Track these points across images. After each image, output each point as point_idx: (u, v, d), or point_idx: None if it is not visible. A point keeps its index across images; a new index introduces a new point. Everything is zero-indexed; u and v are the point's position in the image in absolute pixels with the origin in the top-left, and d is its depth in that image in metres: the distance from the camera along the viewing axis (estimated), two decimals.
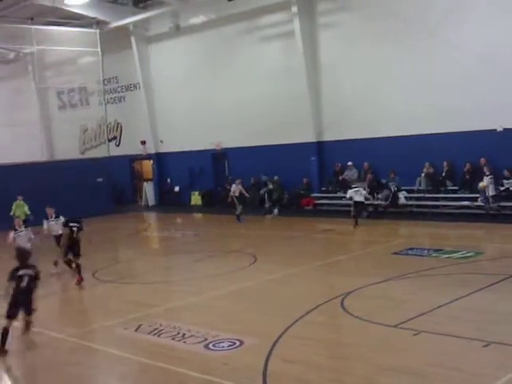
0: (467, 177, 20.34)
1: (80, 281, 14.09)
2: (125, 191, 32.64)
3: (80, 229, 14.78)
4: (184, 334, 9.63)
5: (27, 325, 9.81)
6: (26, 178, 24.81)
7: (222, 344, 9.06)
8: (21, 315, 9.70)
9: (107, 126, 31.66)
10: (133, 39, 30.60)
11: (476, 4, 19.93)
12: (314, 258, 15.75)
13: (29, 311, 9.69)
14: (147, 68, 31.12)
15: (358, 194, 20.17)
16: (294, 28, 24.32)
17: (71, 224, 14.74)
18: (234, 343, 9.05)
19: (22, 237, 14.64)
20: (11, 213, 21.72)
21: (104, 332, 10.42)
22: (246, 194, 23.19)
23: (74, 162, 29.50)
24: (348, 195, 20.54)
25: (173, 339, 9.49)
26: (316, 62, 24.46)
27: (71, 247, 14.63)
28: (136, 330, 10.13)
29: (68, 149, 32.50)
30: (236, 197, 22.78)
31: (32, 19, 27.13)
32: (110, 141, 31.89)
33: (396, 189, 21.57)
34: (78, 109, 34.38)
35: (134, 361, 8.84)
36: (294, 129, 24.95)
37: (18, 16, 27.29)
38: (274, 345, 8.82)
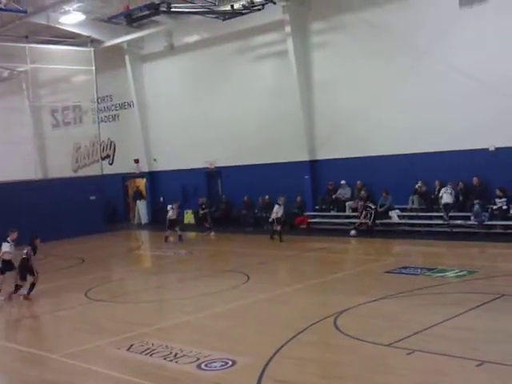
0: (460, 196, 20.40)
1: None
2: (117, 209, 32.55)
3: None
4: (176, 354, 9.56)
5: None
6: (20, 195, 24.73)
7: (214, 364, 9.00)
8: None
9: (100, 145, 31.66)
10: (127, 58, 30.72)
11: (468, 24, 20.11)
12: (307, 276, 15.72)
13: None
14: (141, 86, 31.20)
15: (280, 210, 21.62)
16: (287, 47, 24.48)
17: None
18: (227, 363, 8.99)
19: None
20: None
21: (96, 351, 10.32)
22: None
23: (67, 180, 29.44)
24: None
25: (165, 359, 9.42)
26: (309, 80, 24.59)
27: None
28: (128, 350, 10.05)
29: (61, 167, 32.41)
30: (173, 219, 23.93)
31: (27, 37, 27.23)
32: (103, 159, 31.85)
33: (373, 208, 21.58)
34: (72, 127, 34.35)
35: (126, 381, 8.75)
36: (287, 147, 25.02)
37: (13, 34, 27.39)
38: (266, 364, 8.76)
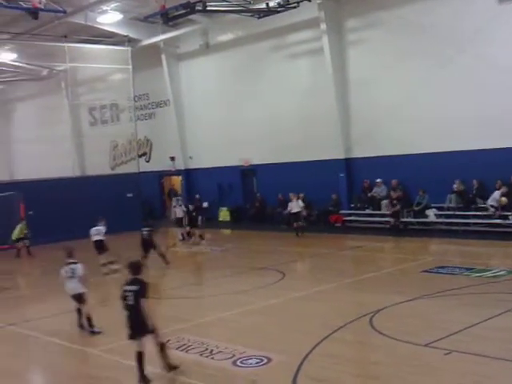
0: (498, 195, 20.03)
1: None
2: (154, 207, 32.85)
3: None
4: (212, 350, 9.63)
5: (160, 348, 8.66)
6: (59, 192, 25.18)
7: (249, 361, 9.04)
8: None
9: (137, 142, 32.02)
10: (163, 57, 30.99)
11: (507, 20, 19.75)
12: (342, 275, 15.65)
13: (143, 333, 8.52)
14: (177, 85, 31.43)
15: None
16: (322, 45, 24.39)
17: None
18: (262, 360, 9.02)
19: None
20: (14, 237, 22.82)
21: (133, 347, 10.43)
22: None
23: (105, 177, 29.87)
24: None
25: (201, 355, 9.50)
26: (344, 78, 24.46)
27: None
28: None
29: (99, 164, 32.98)
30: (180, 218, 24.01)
31: (65, 37, 27.64)
32: (139, 157, 32.22)
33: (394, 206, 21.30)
34: (109, 125, 34.86)
35: (163, 376, 8.84)
36: (322, 145, 24.93)
37: (52, 34, 27.82)
38: (301, 362, 8.77)
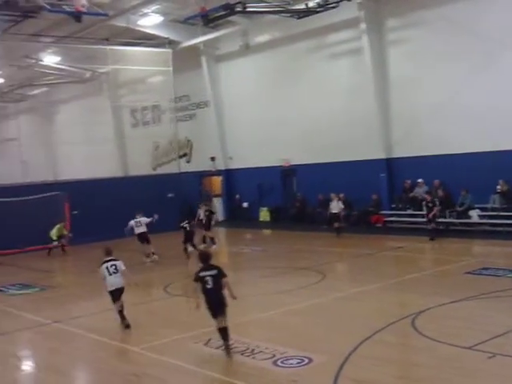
0: None
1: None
2: (194, 207, 33.07)
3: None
4: (253, 350, 9.68)
5: (221, 331, 9.60)
6: (102, 193, 25.62)
7: (290, 361, 9.06)
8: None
9: (178, 143, 32.33)
10: (203, 58, 31.22)
11: None
12: (383, 275, 15.53)
13: (221, 312, 9.58)
14: (217, 86, 31.64)
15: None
16: (362, 45, 24.25)
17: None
18: (303, 360, 9.04)
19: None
20: (54, 237, 23.44)
21: (175, 345, 10.59)
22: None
23: (146, 177, 30.26)
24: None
25: (242, 354, 9.56)
26: (385, 78, 24.26)
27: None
28: (205, 344, 10.26)
29: (140, 165, 33.45)
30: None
31: (107, 40, 28.09)
32: (180, 157, 32.54)
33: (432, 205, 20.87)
34: (151, 126, 35.29)
35: (204, 375, 8.95)
36: (362, 145, 24.78)
37: (95, 37, 28.33)
38: (343, 363, 8.75)
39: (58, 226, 23.61)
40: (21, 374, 10.13)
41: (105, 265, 11.89)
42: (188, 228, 20.17)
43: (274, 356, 9.29)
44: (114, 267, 11.89)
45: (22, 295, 16.21)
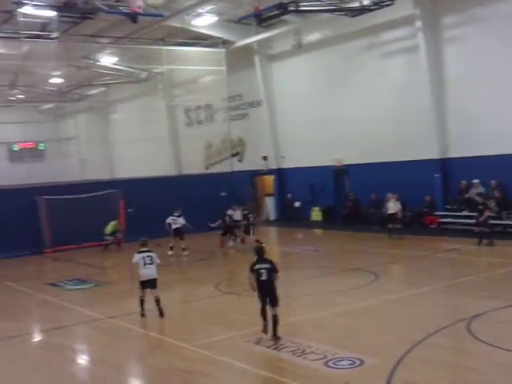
0: None
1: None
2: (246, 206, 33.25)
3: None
4: (304, 350, 9.67)
5: (274, 318, 10.37)
6: (156, 191, 26.02)
7: (342, 362, 9.02)
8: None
9: (231, 142, 32.54)
10: (256, 57, 31.32)
11: None
12: (437, 278, 15.28)
13: (272, 303, 10.40)
14: (270, 85, 31.69)
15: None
16: (417, 43, 23.86)
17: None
18: (355, 362, 8.98)
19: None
20: (108, 232, 24.05)
21: (225, 343, 10.68)
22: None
23: (200, 176, 30.58)
24: None
25: (293, 354, 9.56)
26: (441, 76, 23.80)
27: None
28: (257, 343, 10.30)
29: (194, 164, 33.83)
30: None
31: (163, 40, 28.48)
32: (233, 156, 32.74)
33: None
34: (204, 125, 35.64)
35: (255, 373, 9.00)
36: (416, 145, 24.38)
37: (150, 37, 28.77)
38: (395, 366, 8.66)
39: (112, 222, 24.13)
40: (76, 368, 10.40)
41: (141, 255, 12.58)
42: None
43: (326, 357, 9.26)
44: (149, 258, 12.56)
45: (78, 290, 16.63)
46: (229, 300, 14.33)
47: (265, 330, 10.44)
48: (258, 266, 10.58)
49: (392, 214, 22.36)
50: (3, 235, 23.04)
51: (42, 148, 46.64)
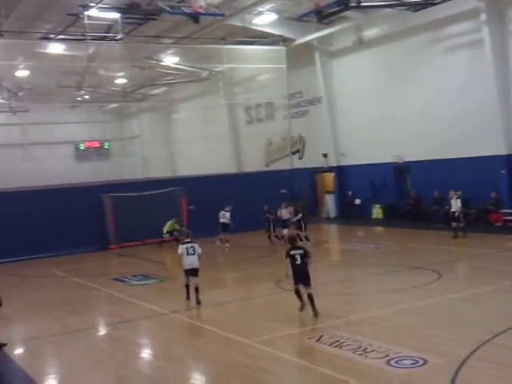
0: None
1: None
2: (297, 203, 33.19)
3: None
4: (365, 348, 9.62)
5: (309, 297, 11.98)
6: (217, 188, 26.33)
7: (404, 361, 8.93)
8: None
9: (291, 140, 32.56)
10: (316, 54, 31.21)
11: None
12: (502, 277, 14.87)
13: (306, 283, 12.00)
14: (330, 82, 31.52)
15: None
16: (482, 37, 23.26)
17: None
18: (417, 361, 8.88)
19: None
20: (164, 231, 24.52)
21: (287, 340, 10.74)
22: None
23: (260, 174, 30.71)
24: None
25: (354, 352, 9.53)
26: (507, 70, 23.14)
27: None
28: (318, 341, 10.32)
29: (254, 161, 33.99)
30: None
31: (224, 39, 28.73)
32: (293, 154, 32.74)
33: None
34: (264, 123, 35.76)
35: (315, 370, 9.01)
36: (480, 141, 23.77)
37: (211, 37, 29.08)
38: (459, 366, 8.51)
39: (170, 222, 24.53)
40: (140, 362, 10.66)
41: (184, 245, 13.69)
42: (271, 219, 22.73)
43: (388, 355, 9.19)
44: (192, 248, 13.63)
45: (143, 286, 17.01)
46: (290, 297, 14.32)
47: (302, 309, 12.01)
48: (292, 252, 12.10)
49: (454, 213, 21.69)
50: (71, 232, 23.81)
51: (106, 147, 47.83)
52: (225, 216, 23.10)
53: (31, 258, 22.69)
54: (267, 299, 14.42)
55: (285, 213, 22.76)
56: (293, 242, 12.69)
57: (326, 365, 9.12)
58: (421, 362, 8.85)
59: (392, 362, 8.92)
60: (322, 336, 10.46)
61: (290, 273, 12.10)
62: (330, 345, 10.00)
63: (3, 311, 12.02)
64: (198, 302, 13.59)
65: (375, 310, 12.35)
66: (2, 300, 11.61)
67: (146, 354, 11.27)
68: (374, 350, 9.49)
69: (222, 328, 11.72)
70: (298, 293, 12.10)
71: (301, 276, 12.00)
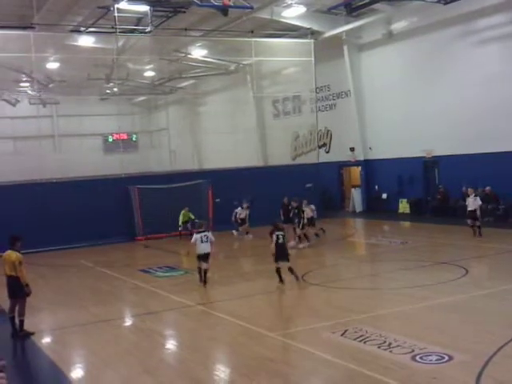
0: None
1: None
2: (333, 197, 33.13)
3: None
4: (390, 344, 9.57)
5: (289, 269, 14.54)
6: (244, 181, 26.38)
7: (430, 357, 8.86)
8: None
9: (318, 133, 32.43)
10: (345, 48, 31.01)
11: None
12: None
13: (287, 259, 14.51)
14: (358, 75, 31.32)
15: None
16: None
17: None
18: (443, 357, 8.80)
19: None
20: (180, 222, 24.45)
21: (311, 334, 10.72)
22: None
23: (286, 167, 30.67)
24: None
25: (379, 347, 9.49)
26: None
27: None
28: (342, 335, 10.29)
29: (280, 155, 33.95)
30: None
31: (252, 32, 28.69)
32: (320, 147, 32.62)
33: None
34: (291, 116, 35.69)
35: (340, 365, 8.98)
36: (510, 135, 23.42)
37: (240, 30, 29.05)
38: (486, 363, 8.42)
39: (182, 211, 24.45)
40: (165, 352, 10.74)
41: (199, 234, 15.23)
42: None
43: (413, 351, 9.13)
44: (206, 237, 15.17)
45: (168, 277, 17.13)
46: (315, 291, 14.36)
47: (281, 281, 14.46)
48: (277, 233, 14.47)
49: (471, 211, 20.46)
50: (99, 223, 24.06)
51: (134, 139, 48.16)
52: (242, 212, 23.99)
53: (59, 249, 23.03)
54: (292, 293, 14.42)
55: (308, 211, 21.62)
56: (277, 226, 14.84)
57: (351, 359, 9.09)
58: (446, 358, 8.77)
59: (417, 358, 8.86)
60: (346, 330, 10.44)
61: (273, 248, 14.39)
62: (355, 339, 9.97)
63: (31, 301, 12.20)
64: (205, 282, 15.20)
65: (401, 305, 12.27)
66: (30, 289, 11.79)
67: (171, 344, 11.35)
68: (399, 346, 9.43)
69: (247, 321, 11.75)
70: (278, 270, 14.42)
71: (282, 254, 14.43)
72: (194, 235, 15.44)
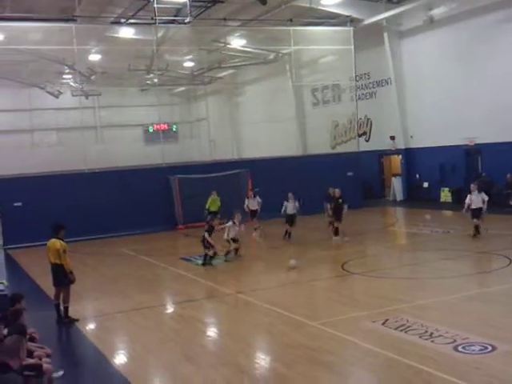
0: None
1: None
2: (373, 186, 32.87)
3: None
4: (432, 333, 9.49)
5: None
6: (283, 170, 26.36)
7: (472, 347, 8.76)
8: None
9: (358, 122, 32.17)
10: (385, 35, 30.61)
11: None
12: None
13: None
14: (399, 63, 30.90)
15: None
16: None
17: None
18: (486, 348, 8.70)
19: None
20: (206, 206, 23.52)
21: (351, 323, 10.70)
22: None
23: (326, 156, 30.53)
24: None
25: (420, 337, 9.41)
26: None
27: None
28: (383, 324, 10.24)
29: (320, 144, 33.82)
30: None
31: (291, 21, 28.55)
32: (359, 136, 32.36)
33: None
34: (330, 105, 35.48)
35: (381, 354, 8.94)
36: None
37: (278, 18, 28.94)
38: None
39: (211, 196, 23.61)
40: (206, 339, 10.86)
41: (230, 222, 17.63)
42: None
43: (455, 341, 9.03)
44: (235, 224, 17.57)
45: (209, 265, 17.26)
46: (355, 280, 14.31)
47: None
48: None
49: (476, 210, 18.57)
50: (140, 212, 24.40)
51: (174, 130, 48.55)
52: (256, 204, 22.45)
53: (101, 237, 23.42)
54: (332, 282, 14.40)
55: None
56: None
57: (391, 349, 9.04)
58: (489, 348, 8.66)
59: (459, 348, 8.77)
60: (387, 320, 10.38)
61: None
62: (396, 329, 9.91)
63: (75, 288, 12.46)
64: (235, 253, 17.68)
65: (442, 294, 12.14)
66: (74, 277, 12.05)
67: (211, 332, 11.47)
68: (440, 335, 9.34)
69: (287, 309, 11.78)
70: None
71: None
72: (227, 224, 17.81)
